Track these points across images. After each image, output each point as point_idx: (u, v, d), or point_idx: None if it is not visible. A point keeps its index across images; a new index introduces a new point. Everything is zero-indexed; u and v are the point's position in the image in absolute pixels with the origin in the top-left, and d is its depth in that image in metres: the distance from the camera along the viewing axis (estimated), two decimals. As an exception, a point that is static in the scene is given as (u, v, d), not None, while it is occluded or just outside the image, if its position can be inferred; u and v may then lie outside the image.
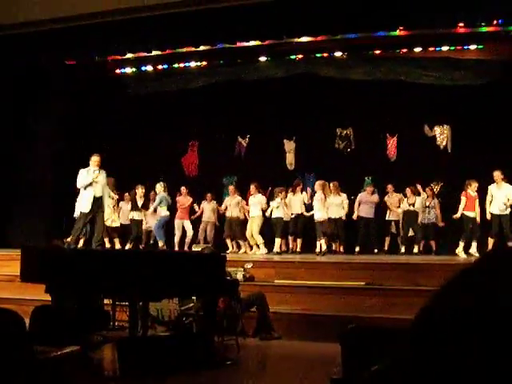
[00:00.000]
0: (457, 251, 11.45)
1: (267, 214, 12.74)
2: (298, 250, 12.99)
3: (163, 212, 13.13)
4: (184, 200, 13.87)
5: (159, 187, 13.24)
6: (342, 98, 13.76)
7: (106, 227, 12.20)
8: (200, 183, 15.01)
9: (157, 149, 15.00)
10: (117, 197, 12.97)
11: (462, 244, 11.47)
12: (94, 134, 14.32)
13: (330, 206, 12.42)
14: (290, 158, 15.12)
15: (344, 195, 12.82)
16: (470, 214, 11.69)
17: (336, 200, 12.59)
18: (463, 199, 11.77)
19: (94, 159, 10.58)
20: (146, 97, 14.80)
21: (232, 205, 13.30)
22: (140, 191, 13.58)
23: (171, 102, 14.83)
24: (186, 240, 13.44)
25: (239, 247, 13.26)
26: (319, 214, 12.16)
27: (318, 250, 12.14)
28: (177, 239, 13.47)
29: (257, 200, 12.85)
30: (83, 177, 10.44)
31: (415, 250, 12.39)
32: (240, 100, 14.41)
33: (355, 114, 14.09)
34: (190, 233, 13.39)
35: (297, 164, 15.16)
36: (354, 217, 13.02)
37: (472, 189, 11.62)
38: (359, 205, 13.18)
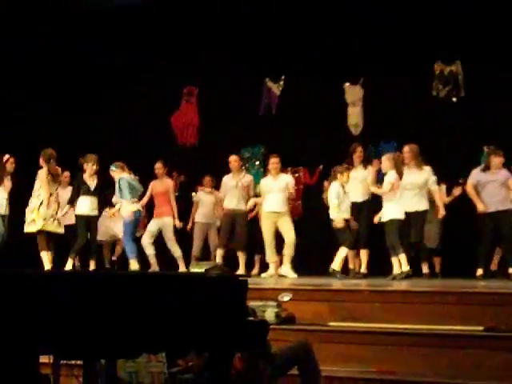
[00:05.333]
0: None
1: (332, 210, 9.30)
2: (363, 270, 9.60)
3: (130, 206, 9.61)
4: (160, 185, 10.33)
5: (117, 169, 9.69)
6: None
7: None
8: (200, 159, 11.61)
9: (122, 102, 11.81)
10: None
11: None
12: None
13: (405, 190, 9.03)
14: (354, 115, 11.51)
15: (428, 168, 9.20)
16: None
17: (417, 178, 9.06)
18: None
19: None
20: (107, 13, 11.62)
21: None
22: (91, 167, 9.92)
23: (149, 19, 11.56)
24: (174, 254, 10.07)
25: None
26: (392, 210, 8.85)
27: (396, 270, 8.89)
28: (149, 251, 10.02)
29: (280, 183, 9.65)
30: None
31: None
32: (269, 16, 11.08)
33: (467, 37, 10.29)
34: (169, 236, 10.01)
35: (367, 125, 11.41)
36: (481, 208, 9.03)
37: None
38: (478, 191, 9.18)
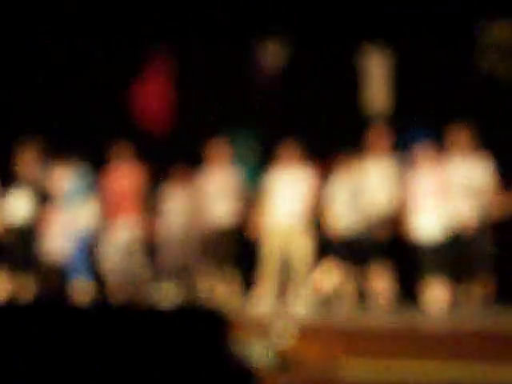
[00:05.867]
0: None
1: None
2: (382, 296, 8.59)
3: (84, 212, 9.36)
4: (123, 181, 9.59)
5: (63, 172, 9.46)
6: None
7: None
8: (172, 149, 10.06)
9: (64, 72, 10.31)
10: None
11: None
12: None
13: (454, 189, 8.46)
14: (376, 92, 10.60)
15: (485, 157, 8.67)
16: None
17: (471, 171, 8.41)
18: None
19: None
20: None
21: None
22: (27, 159, 9.54)
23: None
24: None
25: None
26: (430, 221, 7.95)
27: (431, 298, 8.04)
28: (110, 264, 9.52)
29: (301, 181, 9.01)
30: None
31: None
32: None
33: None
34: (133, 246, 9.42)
35: (393, 105, 10.28)
36: None
37: None
38: None
